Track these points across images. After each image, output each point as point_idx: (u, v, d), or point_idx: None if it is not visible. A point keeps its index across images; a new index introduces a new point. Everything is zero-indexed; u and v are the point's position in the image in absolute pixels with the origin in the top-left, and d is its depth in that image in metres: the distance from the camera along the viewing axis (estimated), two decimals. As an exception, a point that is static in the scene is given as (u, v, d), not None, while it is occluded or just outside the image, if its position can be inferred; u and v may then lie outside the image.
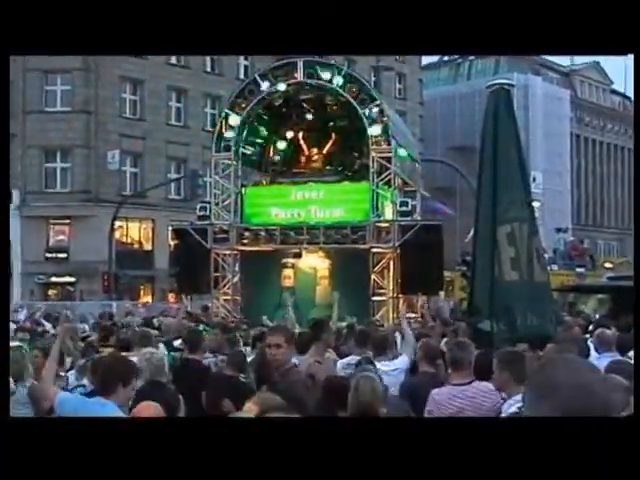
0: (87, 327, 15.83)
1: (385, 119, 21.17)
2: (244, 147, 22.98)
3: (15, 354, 6.97)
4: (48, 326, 15.60)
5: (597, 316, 16.63)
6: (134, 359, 7.12)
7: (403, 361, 8.17)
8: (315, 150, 22.63)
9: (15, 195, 38.82)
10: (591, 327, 11.65)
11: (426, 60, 59.67)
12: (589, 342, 8.76)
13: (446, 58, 65.82)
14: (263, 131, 23.48)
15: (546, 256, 16.00)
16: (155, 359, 6.87)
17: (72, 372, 8.35)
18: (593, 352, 8.09)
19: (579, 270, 26.40)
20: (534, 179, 43.36)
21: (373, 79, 45.90)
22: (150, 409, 4.06)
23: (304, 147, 22.89)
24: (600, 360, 6.83)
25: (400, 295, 21.48)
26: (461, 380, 6.06)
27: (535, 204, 9.75)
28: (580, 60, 68.37)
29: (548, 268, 12.66)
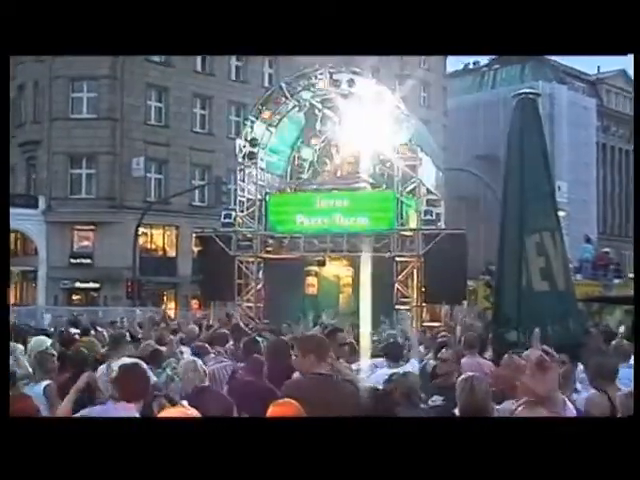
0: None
1: (410, 128, 21.13)
2: (269, 154, 23.03)
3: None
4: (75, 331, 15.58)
5: (622, 328, 16.46)
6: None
7: (411, 365, 8.16)
8: (340, 158, 22.61)
9: (41, 201, 39.17)
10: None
11: (450, 68, 59.61)
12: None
13: (471, 66, 65.66)
14: (288, 139, 23.51)
15: (571, 266, 15.85)
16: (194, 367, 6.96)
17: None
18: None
19: (616, 281, 26.11)
20: (559, 188, 43.07)
21: (398, 87, 45.84)
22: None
23: (329, 155, 22.89)
24: (621, 370, 6.77)
25: (423, 304, 21.43)
26: None
27: (560, 214, 9.66)
28: (606, 68, 67.99)
29: (573, 278, 12.54)
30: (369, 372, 8.18)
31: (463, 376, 5.69)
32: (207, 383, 7.07)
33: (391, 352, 8.59)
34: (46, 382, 7.07)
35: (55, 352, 8.15)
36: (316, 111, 22.56)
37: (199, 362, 7.29)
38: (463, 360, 8.55)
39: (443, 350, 8.22)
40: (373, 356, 9.32)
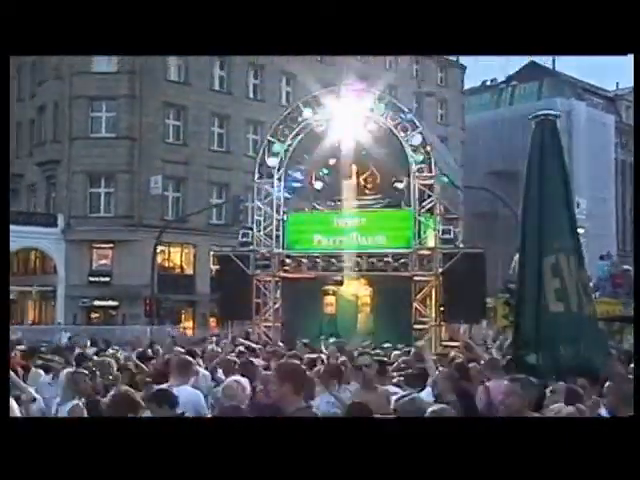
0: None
1: (427, 146, 21.13)
2: (286, 174, 23.06)
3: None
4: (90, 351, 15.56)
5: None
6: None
7: (427, 393, 8.09)
8: (357, 177, 22.59)
9: (60, 219, 39.39)
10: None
11: (468, 85, 59.58)
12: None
13: (488, 83, 65.63)
14: (305, 158, 23.52)
15: (590, 284, 15.70)
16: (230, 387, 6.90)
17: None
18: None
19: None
20: (578, 205, 42.82)
21: (415, 105, 45.87)
22: None
23: (346, 174, 22.85)
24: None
25: (442, 323, 21.33)
26: None
27: (579, 230, 9.60)
28: (625, 84, 67.70)
29: (593, 297, 12.43)
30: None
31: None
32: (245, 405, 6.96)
33: (411, 381, 8.54)
34: (74, 402, 6.99)
35: (87, 372, 8.09)
36: (333, 130, 22.55)
37: (247, 384, 7.15)
38: (490, 383, 8.50)
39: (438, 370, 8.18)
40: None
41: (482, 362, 9.63)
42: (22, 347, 13.35)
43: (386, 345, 14.63)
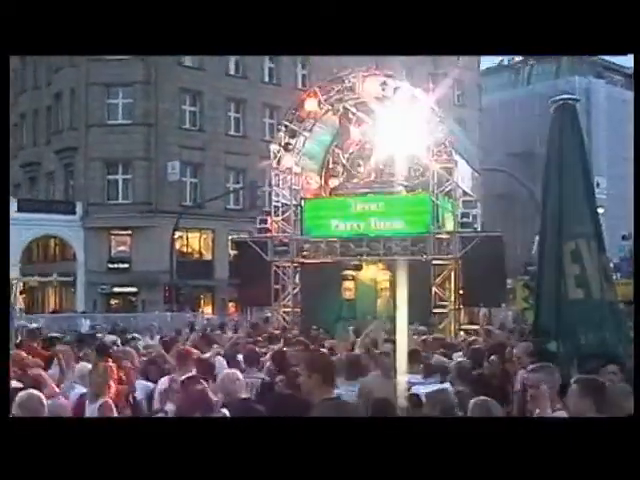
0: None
1: (445, 129, 20.96)
2: (303, 159, 22.97)
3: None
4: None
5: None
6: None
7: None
8: (374, 161, 22.47)
9: (78, 207, 39.59)
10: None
11: (485, 65, 59.13)
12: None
13: (505, 62, 65.12)
14: (322, 142, 23.43)
15: (611, 265, 15.48)
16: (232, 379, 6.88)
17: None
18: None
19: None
20: (598, 185, 42.53)
21: (431, 86, 45.51)
22: None
23: (363, 158, 22.76)
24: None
25: (461, 307, 21.27)
26: None
27: (599, 210, 9.51)
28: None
29: (614, 279, 12.29)
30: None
31: None
32: (245, 395, 6.98)
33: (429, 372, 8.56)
34: (103, 399, 6.94)
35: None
36: (350, 114, 22.44)
37: (239, 372, 7.21)
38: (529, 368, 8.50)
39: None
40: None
41: (515, 348, 9.60)
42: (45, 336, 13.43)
43: (421, 328, 14.61)
